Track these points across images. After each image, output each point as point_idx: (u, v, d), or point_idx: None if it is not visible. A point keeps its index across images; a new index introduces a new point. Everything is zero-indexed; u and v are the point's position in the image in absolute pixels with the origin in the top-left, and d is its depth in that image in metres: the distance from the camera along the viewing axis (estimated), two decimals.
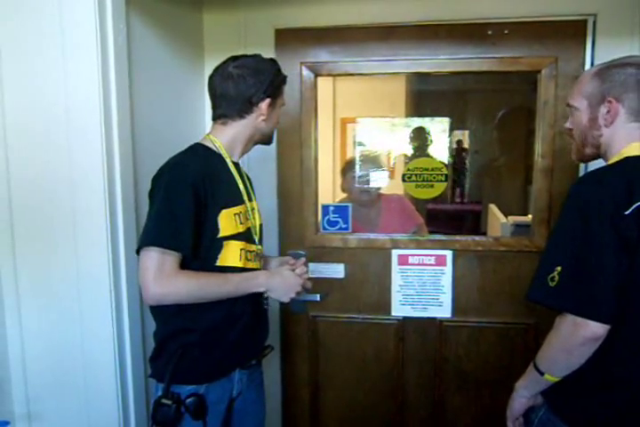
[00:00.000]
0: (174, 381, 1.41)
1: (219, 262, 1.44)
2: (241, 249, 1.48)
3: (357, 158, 2.38)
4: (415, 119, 2.78)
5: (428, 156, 2.32)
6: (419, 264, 2.17)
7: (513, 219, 2.65)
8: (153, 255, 1.34)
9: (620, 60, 1.30)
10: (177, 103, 2.01)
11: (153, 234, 1.36)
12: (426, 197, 2.24)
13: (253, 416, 1.66)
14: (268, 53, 1.80)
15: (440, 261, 2.16)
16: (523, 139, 3.00)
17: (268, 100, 1.50)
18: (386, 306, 2.21)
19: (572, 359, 1.21)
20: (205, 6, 2.15)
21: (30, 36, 1.55)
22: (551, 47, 2.00)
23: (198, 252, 1.40)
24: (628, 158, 1.25)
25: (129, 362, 1.67)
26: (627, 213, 1.13)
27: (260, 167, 2.12)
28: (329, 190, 2.66)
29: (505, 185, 3.64)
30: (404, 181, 2.23)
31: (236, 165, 1.55)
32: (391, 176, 2.46)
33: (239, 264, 1.47)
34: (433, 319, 2.19)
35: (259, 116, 1.51)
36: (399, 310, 2.20)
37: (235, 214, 1.46)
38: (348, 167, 2.45)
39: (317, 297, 2.10)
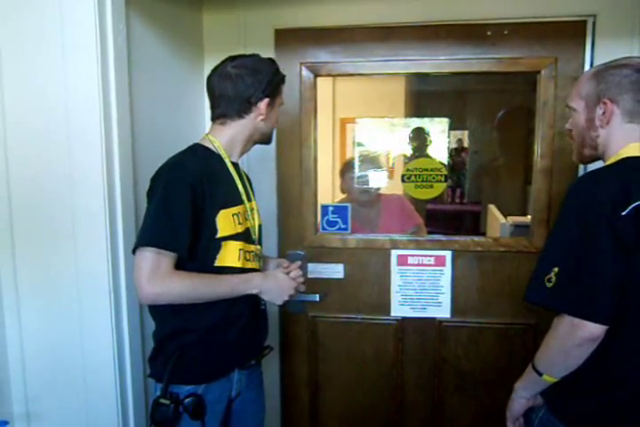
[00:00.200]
0: (173, 381, 1.41)
1: (217, 263, 1.44)
2: (240, 249, 1.48)
3: (357, 159, 2.38)
4: (415, 119, 2.78)
5: (427, 156, 2.32)
6: (418, 264, 2.17)
7: (512, 219, 2.65)
8: (148, 255, 1.34)
9: (617, 62, 1.31)
10: (176, 103, 2.01)
11: (149, 234, 1.36)
12: (425, 197, 2.24)
13: (253, 417, 1.66)
14: (268, 53, 1.79)
15: (439, 261, 2.16)
16: (522, 139, 3.00)
17: (266, 100, 1.50)
18: (385, 306, 2.21)
19: (570, 360, 1.21)
20: (205, 6, 2.16)
21: (30, 35, 1.55)
22: (551, 48, 2.01)
23: (197, 252, 1.40)
24: (626, 159, 1.25)
25: (128, 362, 1.67)
26: (624, 213, 1.13)
27: (260, 167, 2.12)
28: (328, 191, 2.66)
29: (504, 185, 3.65)
30: (403, 181, 2.23)
31: (236, 165, 1.55)
32: (390, 176, 2.46)
33: (238, 264, 1.47)
34: (432, 320, 2.19)
35: (257, 116, 1.51)
36: (398, 310, 2.20)
37: (233, 215, 1.46)
38: (346, 168, 2.45)
39: (316, 297, 2.10)
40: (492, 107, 3.63)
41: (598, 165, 1.35)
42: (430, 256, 2.16)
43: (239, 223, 1.48)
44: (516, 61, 2.03)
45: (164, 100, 1.92)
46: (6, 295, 1.65)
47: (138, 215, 1.67)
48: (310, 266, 2.21)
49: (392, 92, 3.32)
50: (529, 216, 2.19)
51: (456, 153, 4.04)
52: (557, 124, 1.98)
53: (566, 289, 1.18)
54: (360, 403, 2.28)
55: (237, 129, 1.52)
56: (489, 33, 2.03)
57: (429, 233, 2.47)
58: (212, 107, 1.54)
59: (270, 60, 1.57)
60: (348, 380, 2.28)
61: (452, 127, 2.51)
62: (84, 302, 1.62)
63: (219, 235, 1.42)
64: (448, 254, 2.15)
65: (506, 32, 2.02)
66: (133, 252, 1.37)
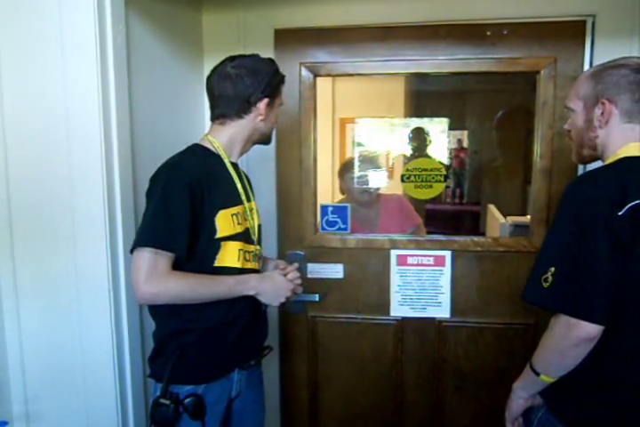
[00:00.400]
0: (173, 381, 1.41)
1: (217, 263, 1.44)
2: (239, 250, 1.48)
3: (356, 159, 2.38)
4: (414, 119, 2.78)
5: (426, 156, 2.32)
6: (417, 265, 2.17)
7: (512, 219, 2.65)
8: (146, 255, 1.34)
9: (615, 62, 1.31)
10: (176, 103, 2.01)
11: (147, 234, 1.36)
12: (425, 197, 2.24)
13: (252, 417, 1.66)
14: (268, 54, 1.80)
15: (439, 261, 2.16)
16: (522, 139, 3.00)
17: (266, 100, 1.50)
18: (385, 306, 2.21)
19: (567, 360, 1.22)
20: (204, 6, 2.15)
21: (30, 36, 1.55)
22: (550, 48, 2.01)
23: (196, 252, 1.40)
24: (624, 159, 1.25)
25: (127, 362, 1.67)
26: (620, 213, 1.14)
27: (259, 167, 2.12)
28: (328, 191, 2.66)
29: (504, 185, 3.64)
30: (402, 181, 2.23)
31: (235, 165, 1.55)
32: (390, 176, 2.46)
33: (237, 265, 1.48)
34: (432, 320, 2.19)
35: (257, 116, 1.51)
36: (398, 310, 2.20)
37: (232, 215, 1.46)
38: (345, 168, 2.45)
39: (316, 297, 2.12)
40: (491, 107, 3.63)
41: (598, 164, 1.35)
42: (430, 256, 2.16)
43: (238, 223, 1.48)
44: (515, 61, 2.03)
45: (163, 101, 1.92)
46: (6, 295, 1.65)
47: (137, 215, 1.67)
48: (310, 266, 2.21)
49: (391, 92, 3.32)
50: (528, 216, 2.18)
51: (455, 153, 4.04)
52: (557, 124, 1.98)
53: (562, 289, 1.18)
54: (360, 403, 2.28)
55: (237, 129, 1.52)
56: (488, 33, 2.03)
57: (429, 233, 2.47)
58: (212, 107, 1.54)
59: (270, 60, 1.57)
60: (348, 380, 2.28)
61: (451, 127, 2.51)
62: (83, 301, 1.62)
63: (218, 235, 1.42)
64: (447, 254, 2.15)
65: (505, 32, 2.02)
66: (131, 252, 1.38)
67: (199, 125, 2.09)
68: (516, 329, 2.14)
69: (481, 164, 4.05)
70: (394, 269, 2.18)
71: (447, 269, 2.15)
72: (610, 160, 1.29)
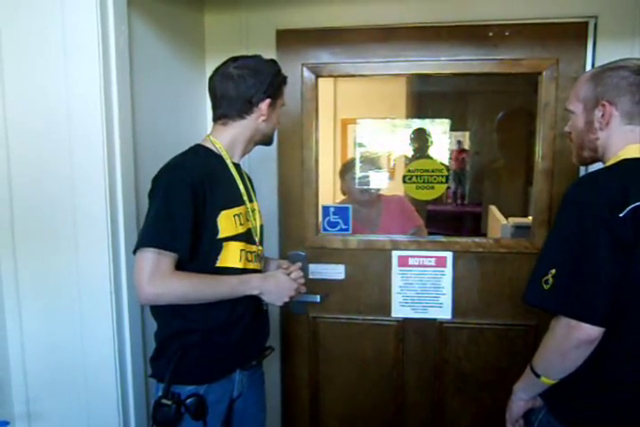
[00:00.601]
0: (175, 381, 1.41)
1: (219, 263, 1.44)
2: (241, 250, 1.48)
3: (357, 159, 2.38)
4: (416, 120, 2.78)
5: (428, 157, 2.32)
6: (419, 265, 2.17)
7: (513, 220, 2.65)
8: (149, 256, 1.34)
9: (615, 64, 1.31)
10: (178, 104, 2.01)
11: (150, 235, 1.36)
12: (426, 198, 2.24)
13: (254, 417, 1.66)
14: (270, 54, 1.80)
15: (440, 262, 2.16)
16: (523, 140, 3.00)
17: (268, 101, 1.51)
18: (386, 307, 2.21)
19: (567, 362, 1.22)
20: (207, 7, 2.16)
21: (32, 36, 1.55)
22: (552, 49, 2.01)
23: (198, 253, 1.40)
24: (625, 161, 1.25)
25: (129, 362, 1.67)
26: (621, 215, 1.14)
27: (261, 168, 2.13)
28: (329, 191, 2.67)
29: (505, 186, 3.64)
30: (404, 182, 2.23)
31: (237, 165, 1.55)
32: (391, 177, 2.46)
33: (239, 265, 1.48)
34: (433, 321, 2.19)
35: (259, 117, 1.52)
36: (399, 311, 2.20)
37: (235, 215, 1.47)
38: (345, 169, 2.45)
39: (317, 298, 2.12)
40: (493, 108, 3.63)
41: (599, 166, 1.35)
42: (431, 257, 2.16)
43: (240, 224, 1.48)
44: (517, 62, 2.03)
45: (165, 101, 1.92)
46: (7, 296, 1.65)
47: (139, 216, 1.67)
48: (311, 267, 2.21)
49: (393, 93, 3.32)
50: (530, 217, 2.18)
51: (456, 154, 4.04)
52: (558, 125, 1.97)
53: (563, 291, 1.18)
54: (361, 404, 2.28)
55: (239, 130, 1.52)
56: (490, 34, 2.03)
57: (430, 234, 2.47)
58: (214, 107, 1.54)
59: (272, 61, 1.57)
60: (349, 381, 2.28)
61: (453, 128, 2.51)
62: (84, 302, 1.62)
63: (220, 235, 1.42)
64: (449, 255, 2.15)
65: (507, 33, 2.02)
66: (134, 252, 1.38)
67: (201, 126, 2.09)
68: (517, 330, 2.13)
69: (482, 165, 4.04)
70: (395, 269, 2.18)
71: (448, 271, 2.15)
72: (610, 162, 1.29)
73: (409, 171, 2.22)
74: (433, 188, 2.22)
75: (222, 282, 1.43)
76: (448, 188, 2.25)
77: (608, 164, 1.30)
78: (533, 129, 2.11)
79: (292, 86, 2.01)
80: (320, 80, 2.17)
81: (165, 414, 1.38)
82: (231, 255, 1.46)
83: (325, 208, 2.24)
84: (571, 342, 1.18)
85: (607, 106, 1.28)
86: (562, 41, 2.00)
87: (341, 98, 3.66)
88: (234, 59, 1.52)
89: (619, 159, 1.27)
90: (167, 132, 1.90)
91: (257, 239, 1.57)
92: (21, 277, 1.64)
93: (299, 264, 1.64)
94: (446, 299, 2.16)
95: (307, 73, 2.14)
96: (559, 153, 2.02)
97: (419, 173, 2.21)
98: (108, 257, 1.59)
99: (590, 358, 1.19)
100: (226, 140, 1.52)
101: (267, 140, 1.62)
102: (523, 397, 1.36)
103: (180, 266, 1.38)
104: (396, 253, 2.18)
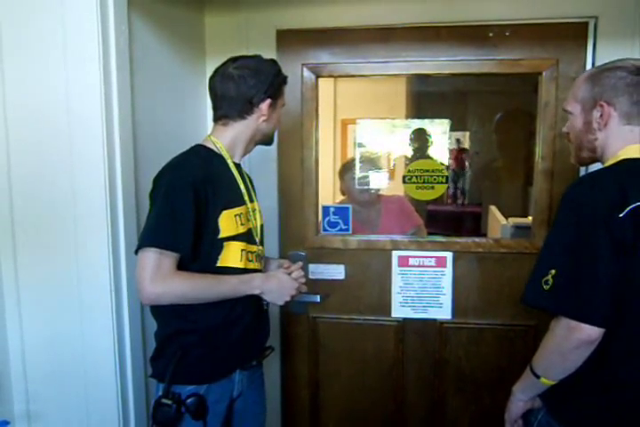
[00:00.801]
0: (175, 381, 1.41)
1: (219, 263, 1.44)
2: (242, 250, 1.48)
3: (357, 159, 2.38)
4: (415, 121, 2.77)
5: (428, 157, 2.32)
6: (419, 266, 2.17)
7: (513, 220, 2.65)
8: (150, 256, 1.34)
9: (612, 64, 1.31)
10: (178, 104, 2.01)
11: (152, 235, 1.37)
12: (426, 198, 2.24)
13: (254, 417, 1.66)
14: (270, 55, 1.80)
15: (440, 262, 2.16)
16: (523, 140, 3.00)
17: (268, 101, 1.51)
18: (386, 307, 2.21)
19: (567, 363, 1.22)
20: (207, 8, 2.16)
21: (32, 37, 1.55)
22: (552, 49, 2.01)
23: (199, 252, 1.41)
24: (624, 161, 1.25)
25: (129, 362, 1.67)
26: (621, 215, 1.14)
27: (261, 168, 2.13)
28: (329, 191, 2.67)
29: (505, 187, 3.64)
30: (404, 182, 2.23)
31: (238, 165, 1.56)
32: (391, 177, 2.46)
33: (240, 265, 1.48)
34: (433, 321, 2.19)
35: (259, 117, 1.52)
36: (399, 311, 2.20)
37: (236, 215, 1.47)
38: (345, 169, 2.45)
39: (317, 298, 2.12)
40: (493, 108, 3.62)
41: (598, 166, 1.35)
42: (431, 257, 2.16)
43: (241, 224, 1.48)
44: (517, 63, 2.03)
45: (165, 102, 1.92)
46: (7, 295, 1.65)
47: (139, 215, 1.68)
48: (311, 267, 2.21)
49: (393, 94, 3.32)
50: (530, 217, 2.19)
51: (455, 154, 4.04)
52: (558, 125, 1.97)
53: (563, 291, 1.18)
54: (361, 404, 2.28)
55: (239, 130, 1.52)
56: (490, 34, 2.03)
57: (430, 234, 2.47)
58: (214, 108, 1.55)
59: (272, 61, 1.57)
60: (349, 381, 2.28)
61: (452, 128, 2.51)
62: (85, 301, 1.62)
63: (221, 235, 1.43)
64: (449, 255, 2.15)
65: (507, 33, 2.02)
66: (136, 252, 1.38)
67: (201, 126, 2.09)
68: (517, 330, 2.14)
69: (482, 165, 4.04)
70: (395, 270, 2.19)
71: (448, 271, 2.15)
72: (609, 162, 1.29)
73: (409, 171, 2.23)
74: (433, 188, 2.22)
75: (224, 282, 1.43)
76: (448, 188, 2.25)
77: (607, 164, 1.30)
78: (533, 129, 2.12)
79: (292, 86, 2.01)
80: (320, 80, 2.17)
81: (165, 413, 1.38)
82: (232, 255, 1.46)
83: (325, 208, 2.24)
84: (571, 342, 1.18)
85: (605, 106, 1.28)
86: (562, 41, 2.00)
87: (341, 98, 3.66)
88: (234, 59, 1.53)
89: (618, 159, 1.27)
90: (167, 132, 1.90)
91: (257, 239, 1.57)
92: (22, 276, 1.64)
93: (299, 264, 1.64)
94: (446, 299, 2.17)
95: (307, 73, 2.15)
96: (559, 153, 2.02)
97: (418, 174, 2.21)
98: (108, 256, 1.59)
99: (590, 358, 1.19)
100: (226, 140, 1.53)
101: (267, 140, 1.62)
102: (522, 398, 1.36)
103: (182, 266, 1.38)
104: (396, 254, 2.18)
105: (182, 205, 1.36)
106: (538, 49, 2.01)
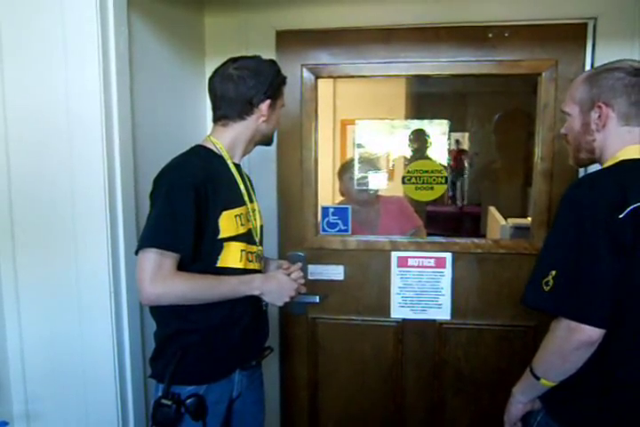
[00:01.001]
0: (174, 381, 1.41)
1: (219, 263, 1.44)
2: (242, 250, 1.48)
3: (356, 160, 2.38)
4: (415, 121, 2.77)
5: (427, 158, 2.32)
6: (418, 266, 2.17)
7: (512, 221, 2.65)
8: (151, 256, 1.34)
9: (609, 65, 1.31)
10: (178, 105, 2.01)
11: (152, 235, 1.36)
12: (425, 199, 2.24)
13: (253, 417, 1.66)
14: (269, 55, 1.80)
15: (439, 263, 2.16)
16: (522, 141, 3.00)
17: (268, 102, 1.51)
18: (385, 308, 2.21)
19: (568, 364, 1.21)
20: (206, 8, 2.16)
21: (32, 37, 1.55)
22: (551, 50, 2.01)
23: (199, 253, 1.41)
24: (623, 162, 1.25)
25: (128, 363, 1.67)
26: (621, 216, 1.14)
27: (260, 168, 2.13)
28: (329, 192, 2.66)
29: (505, 187, 3.64)
30: (403, 183, 2.23)
31: (237, 166, 1.56)
32: (390, 178, 2.46)
33: (240, 265, 1.48)
34: (432, 321, 2.19)
35: (259, 118, 1.52)
36: (398, 312, 2.20)
37: (236, 216, 1.47)
38: (344, 170, 2.45)
39: (316, 299, 2.12)
40: (492, 109, 3.62)
41: (597, 167, 1.35)
42: (430, 258, 2.16)
43: (242, 224, 1.49)
44: (516, 64, 2.03)
45: (165, 102, 1.92)
46: (7, 295, 1.65)
47: (139, 216, 1.68)
48: (310, 267, 2.21)
49: (393, 94, 3.31)
50: (529, 218, 2.19)
51: (454, 155, 4.04)
52: (558, 126, 1.97)
53: (564, 292, 1.18)
54: (360, 405, 2.28)
55: (239, 130, 1.52)
56: (490, 35, 2.03)
57: (429, 235, 2.47)
58: (214, 108, 1.55)
59: (271, 61, 1.57)
60: (348, 381, 2.28)
61: (452, 129, 2.51)
62: (84, 302, 1.62)
63: (220, 236, 1.43)
64: (448, 256, 2.15)
65: (507, 34, 2.02)
66: (136, 253, 1.38)
67: (201, 127, 2.09)
68: (516, 331, 2.14)
69: (482, 166, 4.04)
70: (394, 270, 2.19)
71: (448, 271, 2.16)
72: (608, 163, 1.29)
73: (408, 172, 2.23)
74: (432, 188, 2.22)
75: (224, 282, 1.43)
76: (447, 189, 2.25)
77: (606, 165, 1.30)
78: (532, 130, 2.12)
79: (292, 87, 2.02)
80: (320, 81, 2.18)
81: (165, 414, 1.38)
82: (232, 256, 1.46)
83: (325, 209, 2.24)
84: (571, 343, 1.18)
85: (603, 107, 1.28)
86: (561, 42, 2.00)
87: (341, 99, 3.66)
88: (233, 60, 1.53)
89: (617, 160, 1.27)
90: (167, 132, 1.90)
91: (257, 239, 1.57)
92: (21, 276, 1.64)
93: (299, 264, 1.64)
94: (445, 300, 2.17)
95: (306, 74, 2.15)
96: (558, 154, 2.02)
97: (418, 174, 2.21)
98: (107, 257, 1.59)
99: (590, 359, 1.19)
100: (226, 140, 1.53)
101: (267, 141, 1.62)
102: (522, 399, 1.35)
103: (182, 266, 1.38)
104: (395, 254, 2.18)
105: (183, 206, 1.36)
106: (537, 50, 2.02)
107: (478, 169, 4.06)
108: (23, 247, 1.64)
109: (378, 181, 2.41)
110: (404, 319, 2.21)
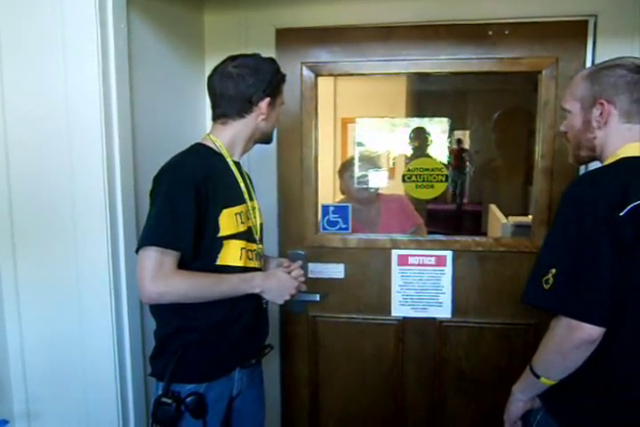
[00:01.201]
0: (175, 380, 1.41)
1: (219, 261, 1.44)
2: (242, 248, 1.48)
3: (357, 158, 2.38)
4: (415, 119, 2.78)
5: (427, 156, 2.32)
6: (419, 264, 2.17)
7: (513, 219, 2.65)
8: (151, 255, 1.34)
9: (611, 62, 1.31)
10: (177, 103, 2.01)
11: (152, 233, 1.36)
12: (426, 197, 2.24)
13: (253, 416, 1.66)
14: (269, 53, 1.79)
15: (440, 261, 2.16)
16: (523, 139, 3.00)
17: (267, 100, 1.51)
18: (386, 306, 2.21)
19: (568, 362, 1.21)
20: (206, 6, 2.15)
21: (31, 35, 1.55)
22: (552, 48, 2.00)
23: (199, 251, 1.40)
24: (624, 159, 1.25)
25: (128, 361, 1.67)
26: (621, 214, 1.13)
27: (260, 167, 2.12)
28: (329, 190, 2.66)
29: (505, 185, 3.64)
30: (404, 181, 2.23)
31: (237, 164, 1.56)
32: (391, 176, 2.46)
33: (240, 263, 1.48)
34: (433, 320, 2.19)
35: (259, 116, 1.52)
36: (399, 310, 2.20)
37: (236, 214, 1.47)
38: (344, 168, 2.45)
39: (317, 297, 2.11)
40: (492, 107, 3.62)
41: (597, 165, 1.35)
42: (431, 256, 2.16)
43: (242, 222, 1.48)
44: (516, 61, 2.03)
45: (164, 100, 1.92)
46: (7, 295, 1.65)
47: (138, 214, 1.67)
48: (311, 266, 2.21)
49: (393, 92, 3.32)
50: (530, 216, 2.18)
51: (457, 153, 4.04)
52: (558, 124, 1.94)
53: (564, 290, 1.17)
54: (360, 403, 2.28)
55: (239, 128, 1.52)
56: (490, 33, 2.03)
57: (430, 233, 2.47)
58: (214, 106, 1.54)
59: (271, 59, 1.57)
60: (349, 380, 2.28)
61: (452, 127, 2.51)
62: (84, 301, 1.62)
63: (220, 233, 1.43)
64: (449, 254, 2.15)
65: (507, 32, 2.02)
66: (137, 251, 1.37)
67: (201, 125, 2.09)
68: (517, 329, 2.13)
69: (482, 164, 4.04)
70: (395, 268, 2.18)
71: (448, 270, 2.15)
72: (609, 161, 1.29)
73: (409, 170, 2.22)
74: (433, 187, 2.21)
75: (224, 280, 1.43)
76: (448, 187, 2.25)
77: (606, 162, 1.29)
78: (533, 128, 2.11)
79: (292, 85, 2.02)
80: (320, 79, 2.17)
81: (165, 412, 1.38)
82: (232, 254, 1.46)
83: (325, 207, 2.24)
84: (571, 342, 1.17)
85: (605, 104, 1.28)
86: (561, 40, 2.00)
87: (341, 97, 3.66)
88: (233, 58, 1.52)
89: (617, 158, 1.26)
90: (166, 130, 1.90)
91: (257, 237, 1.57)
92: (21, 275, 1.64)
93: (299, 262, 1.64)
94: (446, 298, 2.16)
95: (306, 72, 2.14)
96: (559, 152, 2.01)
97: (418, 172, 2.21)
98: (107, 256, 1.59)
99: (590, 358, 1.19)
100: (226, 138, 1.52)
101: (266, 139, 1.62)
102: (522, 398, 1.35)
103: (182, 264, 1.38)
104: (395, 252, 2.18)
105: (183, 204, 1.36)
106: (537, 47, 2.01)
107: (479, 167, 4.06)
108: (23, 247, 1.64)
109: (378, 180, 2.40)
110: (404, 318, 2.20)
